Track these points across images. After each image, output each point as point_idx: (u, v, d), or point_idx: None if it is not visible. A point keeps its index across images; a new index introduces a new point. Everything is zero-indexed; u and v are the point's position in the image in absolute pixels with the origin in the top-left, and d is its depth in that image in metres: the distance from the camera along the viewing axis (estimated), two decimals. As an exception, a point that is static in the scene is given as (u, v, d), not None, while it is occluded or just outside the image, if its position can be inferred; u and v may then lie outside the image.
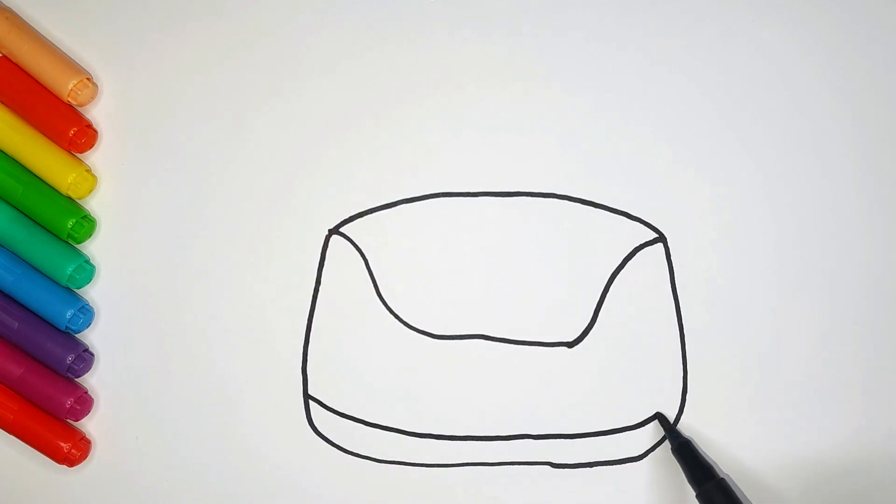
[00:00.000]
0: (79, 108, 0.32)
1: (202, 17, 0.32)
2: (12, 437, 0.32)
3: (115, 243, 0.33)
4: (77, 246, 0.32)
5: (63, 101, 0.32)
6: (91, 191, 0.32)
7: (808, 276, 0.31)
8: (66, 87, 0.31)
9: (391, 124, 0.32)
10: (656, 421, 0.31)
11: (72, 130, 0.31)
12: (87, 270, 0.32)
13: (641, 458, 0.31)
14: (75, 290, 0.32)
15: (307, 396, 0.32)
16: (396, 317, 0.31)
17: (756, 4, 0.31)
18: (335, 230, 0.32)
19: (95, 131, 0.32)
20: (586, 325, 0.31)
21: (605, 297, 0.31)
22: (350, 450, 0.32)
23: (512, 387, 0.31)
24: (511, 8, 0.31)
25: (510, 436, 0.31)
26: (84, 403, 0.32)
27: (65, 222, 0.31)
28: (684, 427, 0.31)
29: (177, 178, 0.32)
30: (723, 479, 0.29)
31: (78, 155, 0.32)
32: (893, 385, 0.30)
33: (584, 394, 0.31)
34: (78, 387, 0.32)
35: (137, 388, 0.32)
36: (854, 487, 0.30)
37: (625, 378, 0.31)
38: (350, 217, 0.32)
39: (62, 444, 0.31)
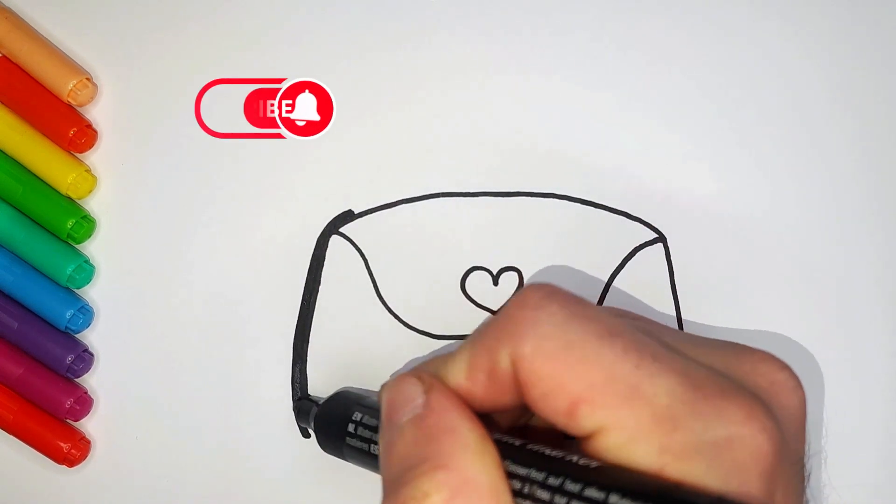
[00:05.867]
0: (79, 108, 0.32)
1: (202, 17, 0.32)
2: (12, 437, 0.32)
3: (115, 243, 0.33)
4: (77, 246, 0.32)
5: (63, 101, 0.32)
6: (91, 191, 0.32)
7: (809, 276, 0.30)
8: (66, 87, 0.31)
9: (391, 124, 0.32)
10: None
11: (72, 130, 0.31)
12: (86, 270, 0.32)
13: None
14: (75, 290, 0.32)
15: (307, 397, 0.32)
16: (396, 317, 0.31)
17: (757, 5, 0.31)
18: (335, 230, 0.32)
19: (95, 131, 0.32)
20: (586, 325, 0.31)
21: (604, 297, 0.31)
22: (350, 450, 0.32)
23: (512, 387, 0.31)
24: (511, 8, 0.31)
25: (510, 436, 0.31)
26: (84, 403, 0.32)
27: (65, 222, 0.31)
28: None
29: (176, 178, 0.32)
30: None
31: (78, 155, 0.32)
32: (894, 385, 0.30)
33: (584, 394, 0.31)
34: (78, 387, 0.32)
35: (137, 388, 0.32)
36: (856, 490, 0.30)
37: (625, 378, 0.31)
38: (350, 217, 0.32)
39: (62, 444, 0.31)
